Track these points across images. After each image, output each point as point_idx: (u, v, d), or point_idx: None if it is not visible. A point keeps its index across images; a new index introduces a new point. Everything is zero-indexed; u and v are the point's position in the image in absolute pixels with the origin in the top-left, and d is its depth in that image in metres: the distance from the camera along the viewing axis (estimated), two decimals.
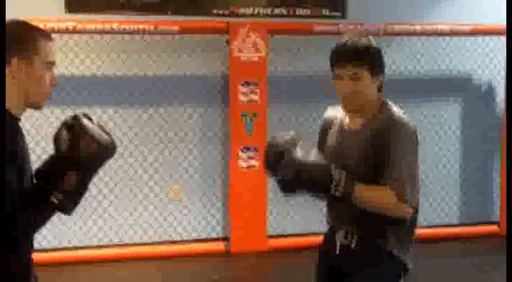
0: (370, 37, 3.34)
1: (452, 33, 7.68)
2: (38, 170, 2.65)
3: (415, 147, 3.25)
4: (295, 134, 3.23)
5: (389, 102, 3.34)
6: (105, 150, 2.67)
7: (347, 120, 3.37)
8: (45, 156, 2.69)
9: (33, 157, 2.87)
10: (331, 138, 3.41)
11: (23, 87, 2.66)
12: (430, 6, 7.96)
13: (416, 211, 3.25)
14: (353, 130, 3.32)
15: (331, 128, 3.46)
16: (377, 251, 3.27)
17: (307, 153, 3.11)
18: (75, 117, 2.66)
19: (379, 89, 3.33)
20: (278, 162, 3.15)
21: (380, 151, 3.15)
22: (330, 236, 3.46)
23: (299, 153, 3.11)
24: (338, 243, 3.36)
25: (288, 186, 3.15)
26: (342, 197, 3.09)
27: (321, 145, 3.49)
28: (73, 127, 2.63)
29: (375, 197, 3.14)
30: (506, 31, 6.15)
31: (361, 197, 3.10)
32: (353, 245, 3.30)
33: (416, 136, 3.27)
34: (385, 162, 3.13)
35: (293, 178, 3.08)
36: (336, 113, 3.48)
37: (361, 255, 3.28)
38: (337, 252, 3.36)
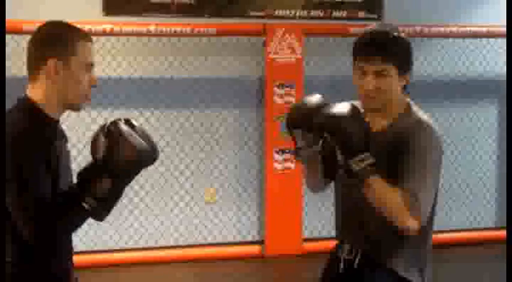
0: (399, 28, 3.02)
1: (489, 34, 7.61)
2: (78, 174, 2.64)
3: (440, 157, 2.96)
4: (323, 97, 3.01)
5: (416, 105, 3.06)
6: (142, 158, 2.62)
7: (369, 120, 2.96)
8: (81, 159, 2.69)
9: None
10: None
11: (60, 89, 2.64)
12: (466, 8, 7.88)
13: (425, 231, 2.95)
14: (374, 131, 2.97)
15: None
16: (383, 273, 2.98)
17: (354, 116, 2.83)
18: (114, 123, 2.62)
19: (404, 88, 3.03)
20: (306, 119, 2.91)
21: (401, 156, 2.88)
22: (335, 249, 3.23)
23: (343, 109, 2.83)
24: (342, 260, 3.12)
25: (319, 124, 2.85)
26: (355, 174, 2.78)
27: None
28: (111, 133, 2.60)
29: (385, 195, 2.83)
30: (507, 32, 6.10)
31: (373, 188, 2.80)
32: (356, 263, 3.05)
33: (442, 145, 2.99)
34: (405, 166, 2.86)
35: (332, 119, 2.80)
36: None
37: (365, 277, 3.02)
38: (341, 270, 3.11)
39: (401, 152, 2.89)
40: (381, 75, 2.90)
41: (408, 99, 3.07)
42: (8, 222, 2.52)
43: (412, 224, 2.84)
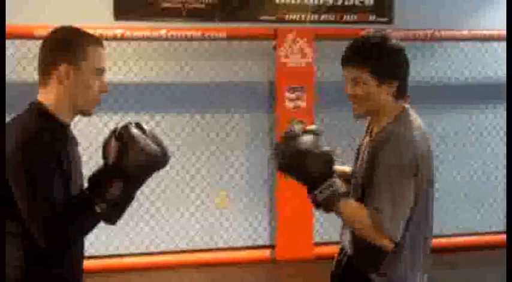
0: (389, 36, 2.96)
1: (500, 37, 7.58)
2: (89, 178, 2.65)
3: (411, 167, 2.82)
4: (316, 128, 3.02)
5: (410, 112, 2.99)
6: (153, 162, 2.63)
7: (370, 128, 3.12)
8: (92, 163, 2.69)
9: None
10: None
11: (71, 94, 2.65)
12: (478, 11, 7.87)
13: (396, 244, 2.86)
14: (371, 139, 3.03)
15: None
16: (360, 279, 3.00)
17: (316, 143, 2.89)
18: (125, 127, 2.63)
19: (396, 96, 2.96)
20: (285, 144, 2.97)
21: (374, 167, 2.87)
22: (338, 254, 3.27)
23: (308, 140, 2.90)
24: (335, 259, 3.23)
25: (282, 166, 2.93)
26: (320, 204, 2.87)
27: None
28: (122, 137, 2.60)
29: (353, 218, 2.88)
30: (507, 33, 6.07)
31: (341, 212, 2.87)
32: (342, 265, 3.12)
33: (416, 156, 2.83)
34: (373, 183, 2.85)
35: (289, 160, 2.88)
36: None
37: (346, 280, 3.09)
38: (333, 268, 3.21)
39: (373, 161, 2.90)
40: (356, 82, 2.93)
41: (404, 106, 3.01)
42: (20, 227, 2.53)
43: (383, 242, 2.84)
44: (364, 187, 2.93)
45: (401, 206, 2.82)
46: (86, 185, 2.67)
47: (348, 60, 2.95)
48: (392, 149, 2.83)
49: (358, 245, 3.02)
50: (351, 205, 2.88)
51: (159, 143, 2.67)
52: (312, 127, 3.01)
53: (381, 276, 2.96)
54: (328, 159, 2.88)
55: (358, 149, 3.18)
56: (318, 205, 2.90)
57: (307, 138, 2.91)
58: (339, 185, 2.85)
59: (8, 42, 6.43)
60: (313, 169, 2.84)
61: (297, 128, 2.97)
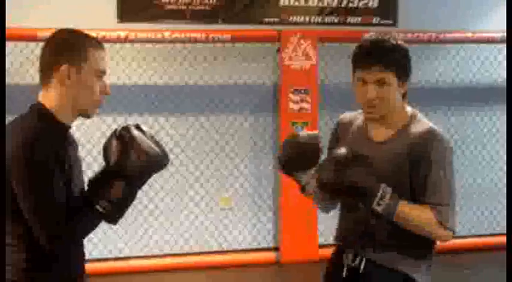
0: (396, 36, 2.99)
1: (505, 40, 7.57)
2: (90, 179, 2.65)
3: (452, 163, 2.98)
4: (317, 134, 3.07)
5: (419, 113, 3.05)
6: (154, 163, 2.65)
7: (370, 130, 3.06)
8: (95, 165, 2.70)
9: (84, 166, 2.88)
10: (354, 147, 3.03)
11: (72, 95, 2.66)
12: (482, 13, 7.86)
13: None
14: (379, 141, 3.02)
15: (348, 135, 3.17)
16: (391, 274, 3.00)
17: (351, 156, 2.87)
18: (126, 128, 2.65)
19: (404, 96, 3.01)
20: (303, 159, 3.01)
21: (417, 166, 2.90)
22: (336, 257, 3.23)
23: (343, 152, 2.88)
24: (345, 267, 3.12)
25: (325, 188, 2.91)
26: (381, 213, 2.84)
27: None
28: (123, 138, 2.62)
29: (415, 218, 2.88)
30: (506, 34, 6.07)
31: (402, 215, 2.85)
32: (361, 268, 3.05)
33: (452, 150, 3.01)
34: (426, 180, 2.89)
35: (334, 180, 2.83)
36: (352, 119, 3.20)
37: (373, 279, 3.04)
38: (345, 276, 3.12)
39: (415, 162, 2.91)
40: (381, 84, 2.89)
41: (409, 107, 3.06)
42: (22, 228, 2.53)
43: (446, 236, 2.94)
44: (398, 185, 2.90)
45: (455, 199, 2.95)
46: (86, 186, 2.67)
47: (373, 62, 2.88)
48: (441, 147, 2.93)
49: (383, 245, 3.01)
50: (408, 206, 2.88)
51: (158, 145, 2.69)
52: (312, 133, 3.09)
53: (423, 274, 3.02)
54: (371, 171, 2.87)
55: (337, 143, 3.19)
56: (379, 216, 2.88)
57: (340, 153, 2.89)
58: (388, 188, 2.86)
59: (11, 45, 6.45)
60: (368, 180, 2.84)
61: (342, 152, 2.91)
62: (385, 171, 2.91)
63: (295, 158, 3.11)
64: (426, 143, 2.91)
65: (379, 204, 2.82)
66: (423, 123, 2.99)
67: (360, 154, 2.89)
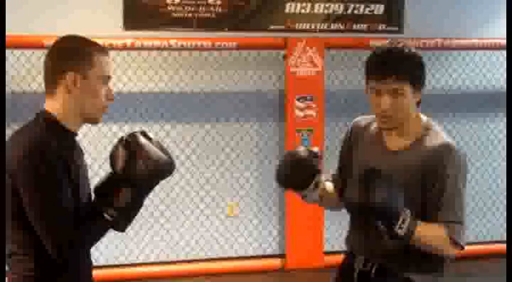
0: (409, 44, 2.99)
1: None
2: (96, 187, 2.66)
3: (466, 176, 2.99)
4: (317, 152, 3.09)
5: (434, 123, 3.04)
6: (161, 169, 2.65)
7: (384, 137, 3.05)
8: (101, 173, 2.70)
9: (90, 173, 2.88)
10: (368, 155, 3.08)
11: (78, 102, 2.66)
12: (488, 20, 7.84)
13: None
14: (393, 150, 3.01)
15: (361, 141, 3.16)
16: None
17: (378, 175, 2.85)
18: (132, 135, 2.65)
19: (418, 105, 3.00)
20: (297, 177, 3.07)
21: (430, 180, 2.90)
22: (349, 261, 3.23)
23: (369, 171, 2.86)
24: (356, 271, 3.13)
25: (350, 207, 2.93)
26: (402, 238, 2.83)
27: (346, 157, 3.23)
28: (129, 145, 2.62)
29: (431, 238, 2.89)
30: (506, 35, 6.06)
31: (418, 236, 2.84)
32: (372, 273, 3.06)
33: (466, 164, 3.01)
34: (440, 196, 2.89)
35: (360, 201, 2.80)
36: (367, 124, 3.18)
37: None
38: (355, 280, 3.13)
39: (429, 177, 2.91)
40: (395, 95, 2.87)
41: (424, 116, 3.05)
42: (28, 236, 2.53)
43: (455, 252, 2.96)
44: (411, 196, 2.89)
45: (465, 215, 2.95)
46: (93, 193, 2.67)
47: (388, 73, 2.86)
48: (455, 161, 2.92)
49: (393, 252, 3.00)
50: (424, 227, 2.87)
51: (165, 151, 2.68)
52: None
53: (422, 273, 3.04)
54: (396, 193, 2.85)
55: (350, 148, 3.21)
56: (399, 239, 2.86)
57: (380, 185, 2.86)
58: (408, 211, 2.84)
59: (18, 53, 6.47)
60: (393, 204, 2.82)
61: (369, 171, 2.90)
62: (400, 182, 2.89)
63: (289, 175, 3.22)
64: (441, 158, 2.90)
65: (400, 228, 2.81)
66: (438, 134, 2.98)
67: (387, 174, 2.86)
